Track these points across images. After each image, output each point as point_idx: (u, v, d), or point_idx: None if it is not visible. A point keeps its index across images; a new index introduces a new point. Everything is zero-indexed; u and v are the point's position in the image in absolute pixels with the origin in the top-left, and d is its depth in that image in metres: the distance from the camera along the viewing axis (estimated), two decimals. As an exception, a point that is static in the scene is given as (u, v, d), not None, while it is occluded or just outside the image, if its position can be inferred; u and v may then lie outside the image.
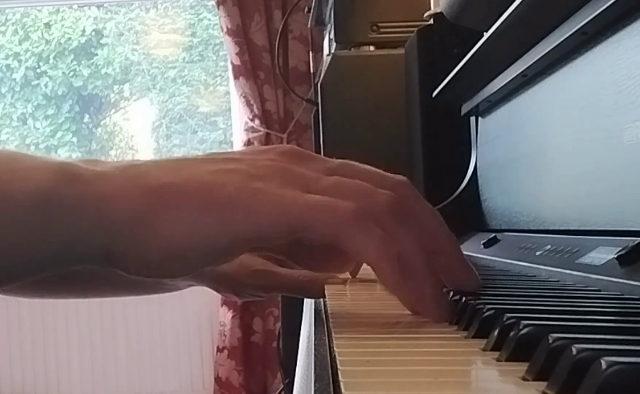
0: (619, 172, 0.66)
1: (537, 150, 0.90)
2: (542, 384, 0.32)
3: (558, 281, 0.66)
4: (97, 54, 3.91)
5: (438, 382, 0.34)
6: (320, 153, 1.25)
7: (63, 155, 3.88)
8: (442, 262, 0.51)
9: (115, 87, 3.97)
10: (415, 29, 1.39)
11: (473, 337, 0.43)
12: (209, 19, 3.87)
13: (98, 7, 3.91)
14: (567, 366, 0.30)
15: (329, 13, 1.91)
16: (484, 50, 0.93)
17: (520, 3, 0.76)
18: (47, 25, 3.89)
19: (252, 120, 3.36)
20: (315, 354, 0.42)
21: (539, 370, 0.33)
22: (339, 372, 0.35)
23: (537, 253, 0.77)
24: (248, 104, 3.35)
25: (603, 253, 0.63)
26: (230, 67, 3.36)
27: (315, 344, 0.45)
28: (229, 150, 3.74)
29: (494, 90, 1.00)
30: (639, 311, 0.50)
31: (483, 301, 0.47)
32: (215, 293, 0.83)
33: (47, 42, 3.87)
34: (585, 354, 0.30)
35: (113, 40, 3.92)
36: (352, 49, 1.75)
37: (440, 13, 1.18)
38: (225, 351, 3.39)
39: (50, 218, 0.45)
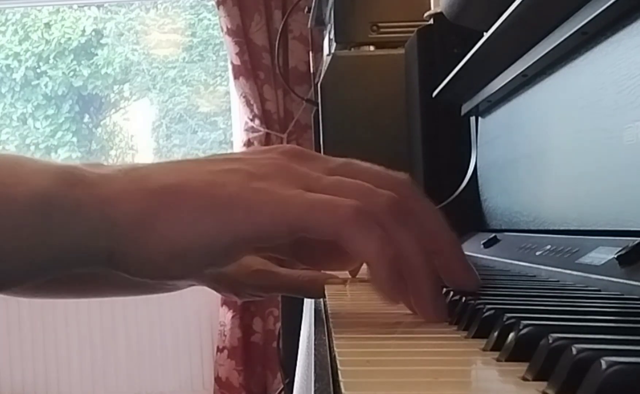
0: (619, 172, 0.66)
1: (537, 150, 0.90)
2: (542, 384, 0.32)
3: (558, 281, 0.66)
4: (97, 54, 3.91)
5: (438, 382, 0.34)
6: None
7: (63, 155, 3.88)
8: (442, 262, 0.51)
9: (115, 87, 3.97)
10: (415, 29, 1.39)
11: (473, 337, 0.43)
12: (209, 19, 3.87)
13: (98, 7, 3.91)
14: (567, 366, 0.30)
15: (329, 13, 1.91)
16: (484, 50, 0.93)
17: (520, 3, 0.76)
18: (47, 25, 3.89)
19: (252, 120, 3.36)
20: (315, 354, 0.42)
21: (539, 370, 0.33)
22: (339, 372, 0.35)
23: (537, 253, 0.77)
24: (248, 104, 3.35)
25: (603, 253, 0.63)
26: (230, 67, 3.36)
27: (315, 344, 0.45)
28: (229, 150, 3.75)
29: (494, 90, 1.00)
30: (639, 311, 0.50)
31: (483, 301, 0.47)
32: (215, 293, 0.83)
33: (47, 42, 3.87)
34: (585, 354, 0.30)
35: (113, 40, 3.92)
36: (352, 49, 1.75)
37: (440, 13, 1.18)
38: (225, 351, 3.39)
39: (53, 221, 0.45)
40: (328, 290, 0.67)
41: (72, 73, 3.88)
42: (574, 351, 0.31)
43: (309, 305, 0.77)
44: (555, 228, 0.82)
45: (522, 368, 0.34)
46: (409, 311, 0.50)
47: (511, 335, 0.38)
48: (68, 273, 0.49)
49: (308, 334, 0.61)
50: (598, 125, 0.71)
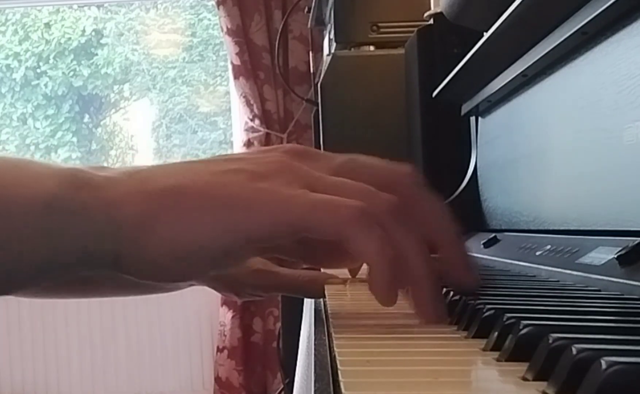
0: (619, 172, 0.66)
1: (537, 150, 0.90)
2: (542, 384, 0.32)
3: (558, 281, 0.66)
4: (97, 54, 3.91)
5: (438, 382, 0.34)
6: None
7: (63, 155, 3.88)
8: (443, 262, 0.51)
9: (115, 87, 3.97)
10: (415, 29, 1.39)
11: (473, 337, 0.43)
12: (209, 19, 3.87)
13: (98, 7, 3.91)
14: (567, 366, 0.30)
15: (329, 13, 1.91)
16: (484, 50, 0.93)
17: (520, 3, 0.76)
18: (47, 25, 3.89)
19: (252, 120, 3.36)
20: (315, 354, 0.42)
21: (539, 370, 0.33)
22: (339, 372, 0.35)
23: (537, 253, 0.77)
24: (248, 104, 3.35)
25: (603, 253, 0.63)
26: (230, 67, 3.36)
27: (315, 344, 0.45)
28: (229, 150, 3.75)
29: (494, 90, 1.00)
30: (639, 311, 0.50)
31: (483, 301, 0.47)
32: (215, 293, 0.83)
33: (47, 42, 3.87)
34: (585, 354, 0.30)
35: (113, 40, 3.92)
36: (352, 49, 1.75)
37: (440, 13, 1.18)
38: (225, 351, 3.39)
39: (58, 224, 0.45)
40: (328, 290, 0.67)
41: (72, 73, 3.88)
42: (574, 351, 0.31)
43: (309, 305, 0.77)
44: (555, 228, 0.82)
45: (522, 368, 0.34)
46: (409, 311, 0.50)
47: (511, 335, 0.38)
48: (75, 276, 0.49)
49: (308, 334, 0.61)
50: (598, 125, 0.71)
